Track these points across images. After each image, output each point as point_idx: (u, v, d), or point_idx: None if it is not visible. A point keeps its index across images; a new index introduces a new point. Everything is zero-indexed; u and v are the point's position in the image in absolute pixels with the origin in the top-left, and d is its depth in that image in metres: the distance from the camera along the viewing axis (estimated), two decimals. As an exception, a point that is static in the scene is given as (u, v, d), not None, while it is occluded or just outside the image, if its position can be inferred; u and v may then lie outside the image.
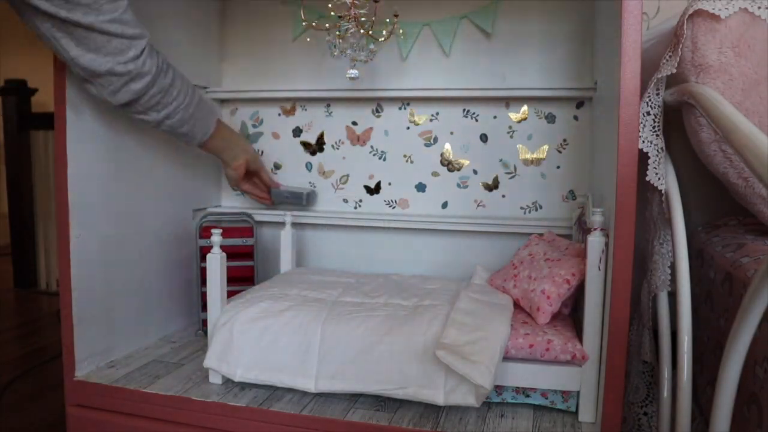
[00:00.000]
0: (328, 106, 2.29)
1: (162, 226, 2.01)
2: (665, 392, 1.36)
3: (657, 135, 1.40)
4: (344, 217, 2.21)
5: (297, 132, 2.33)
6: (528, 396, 1.49)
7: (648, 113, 1.41)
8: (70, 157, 1.58)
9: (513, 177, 2.11)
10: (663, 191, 1.38)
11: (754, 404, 1.06)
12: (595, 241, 1.35)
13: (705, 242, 1.58)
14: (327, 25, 1.76)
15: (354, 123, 2.26)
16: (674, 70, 1.40)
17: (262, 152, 2.37)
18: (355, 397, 1.53)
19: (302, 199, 2.19)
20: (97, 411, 1.57)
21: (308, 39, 2.01)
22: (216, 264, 1.61)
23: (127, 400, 1.55)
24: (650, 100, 1.41)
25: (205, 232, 1.99)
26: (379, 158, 2.25)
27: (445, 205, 2.20)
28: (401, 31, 1.89)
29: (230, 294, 1.75)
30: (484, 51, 2.10)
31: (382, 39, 1.78)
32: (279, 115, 2.34)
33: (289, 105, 2.33)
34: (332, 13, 1.73)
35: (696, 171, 1.60)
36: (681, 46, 1.39)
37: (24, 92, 4.24)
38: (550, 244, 1.77)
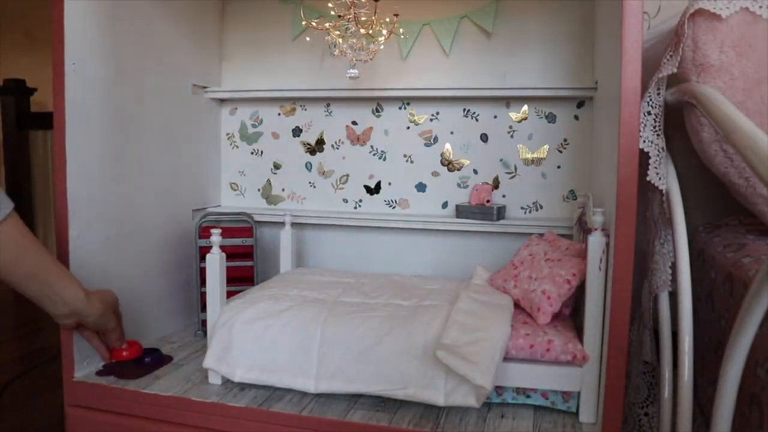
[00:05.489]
0: (328, 105, 2.28)
1: (161, 226, 2.00)
2: (666, 392, 1.36)
3: (658, 135, 1.39)
4: (344, 217, 2.20)
5: (297, 132, 2.33)
6: (528, 396, 1.49)
7: (649, 113, 1.40)
8: (70, 157, 1.57)
9: (513, 177, 2.11)
10: (664, 191, 1.38)
11: (755, 405, 1.05)
12: (595, 241, 1.35)
13: (706, 242, 1.57)
14: (327, 24, 1.75)
15: (354, 123, 2.26)
16: (675, 70, 1.40)
17: (262, 152, 2.37)
18: (355, 398, 1.52)
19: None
20: (96, 411, 1.57)
21: (308, 39, 2.01)
22: (215, 264, 1.61)
23: (127, 401, 1.54)
24: (651, 99, 1.41)
25: (204, 232, 1.99)
26: (379, 158, 2.24)
27: (445, 205, 2.20)
28: (401, 30, 1.89)
29: (230, 294, 1.74)
30: (485, 50, 2.10)
31: (383, 38, 1.77)
32: (279, 114, 2.34)
33: (289, 105, 2.33)
34: (332, 13, 1.73)
35: (697, 171, 1.59)
36: (682, 45, 1.39)
37: (23, 92, 4.24)
38: (550, 244, 1.77)
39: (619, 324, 1.25)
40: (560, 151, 2.06)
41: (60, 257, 1.58)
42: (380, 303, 1.68)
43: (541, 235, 1.90)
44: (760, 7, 1.35)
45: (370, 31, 1.72)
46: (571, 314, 1.66)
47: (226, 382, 1.59)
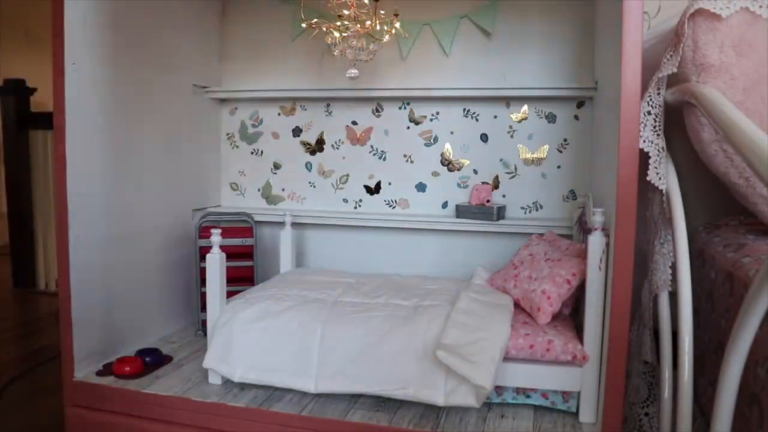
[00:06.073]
0: (328, 105, 2.28)
1: (161, 227, 2.00)
2: (666, 392, 1.36)
3: (658, 135, 1.39)
4: (344, 217, 2.20)
5: (297, 132, 2.33)
6: (528, 396, 1.49)
7: (649, 113, 1.40)
8: (70, 157, 1.57)
9: (513, 177, 2.11)
10: (664, 191, 1.38)
11: (755, 404, 1.05)
12: (595, 241, 1.35)
13: (706, 242, 1.57)
14: (327, 24, 1.75)
15: (354, 123, 2.26)
16: (675, 70, 1.40)
17: (262, 152, 2.37)
18: (355, 398, 1.52)
19: None
20: (96, 412, 1.57)
21: (312, 35, 2.00)
22: (215, 264, 1.61)
23: (127, 401, 1.54)
24: (651, 99, 1.41)
25: (204, 232, 1.99)
26: (379, 158, 2.24)
27: (445, 205, 2.20)
28: (398, 25, 1.88)
29: (230, 294, 1.74)
30: (485, 51, 2.09)
31: (383, 39, 1.77)
32: (279, 114, 2.34)
33: (289, 105, 2.33)
34: (332, 13, 1.73)
35: (697, 171, 1.59)
36: (682, 45, 1.39)
37: (23, 92, 4.24)
38: (550, 244, 1.77)
39: (619, 324, 1.25)
40: (560, 151, 2.06)
41: (60, 257, 1.59)
42: (380, 303, 1.68)
43: (541, 235, 1.90)
44: (760, 7, 1.34)
45: (371, 30, 1.72)
46: (571, 314, 1.66)
47: (226, 382, 1.59)
